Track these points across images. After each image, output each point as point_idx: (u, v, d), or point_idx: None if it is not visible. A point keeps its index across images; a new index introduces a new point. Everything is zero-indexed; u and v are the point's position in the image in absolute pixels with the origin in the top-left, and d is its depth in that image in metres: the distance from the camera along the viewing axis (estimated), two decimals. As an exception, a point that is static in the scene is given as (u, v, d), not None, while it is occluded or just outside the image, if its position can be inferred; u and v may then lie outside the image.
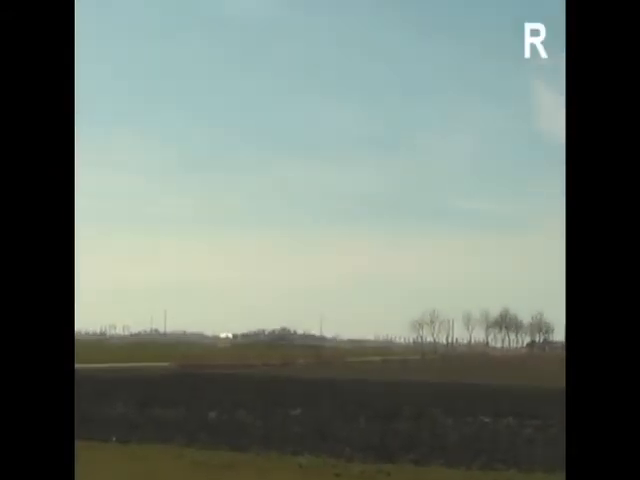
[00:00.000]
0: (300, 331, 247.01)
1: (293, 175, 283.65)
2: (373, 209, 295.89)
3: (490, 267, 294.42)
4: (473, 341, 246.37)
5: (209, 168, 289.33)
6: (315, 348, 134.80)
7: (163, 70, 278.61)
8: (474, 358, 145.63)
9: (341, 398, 38.82)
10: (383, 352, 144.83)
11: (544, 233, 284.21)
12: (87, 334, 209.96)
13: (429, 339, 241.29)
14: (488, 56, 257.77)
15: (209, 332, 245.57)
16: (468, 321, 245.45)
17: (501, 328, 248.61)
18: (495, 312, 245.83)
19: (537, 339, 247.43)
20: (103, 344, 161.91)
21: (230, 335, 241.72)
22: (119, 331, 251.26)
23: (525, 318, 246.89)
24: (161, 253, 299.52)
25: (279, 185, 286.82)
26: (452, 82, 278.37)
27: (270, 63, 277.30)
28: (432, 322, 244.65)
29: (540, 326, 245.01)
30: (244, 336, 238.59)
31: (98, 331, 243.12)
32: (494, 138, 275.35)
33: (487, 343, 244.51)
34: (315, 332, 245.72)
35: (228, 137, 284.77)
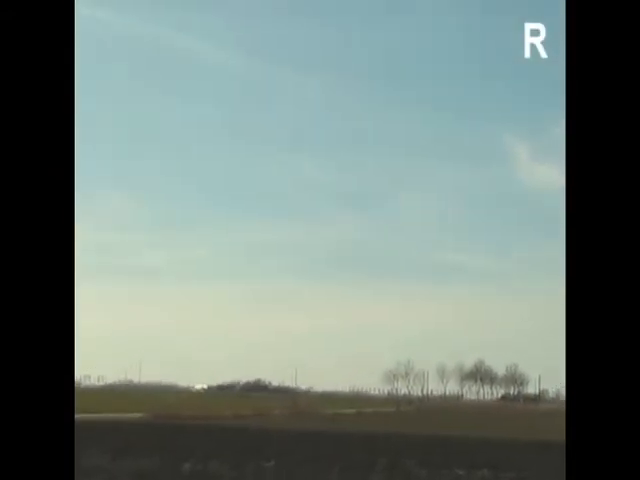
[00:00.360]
0: (275, 383, 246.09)
1: (277, 231, 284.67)
2: (350, 264, 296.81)
3: (465, 319, 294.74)
4: (448, 393, 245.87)
5: (186, 223, 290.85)
6: (289, 399, 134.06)
7: (144, 130, 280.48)
8: (449, 410, 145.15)
9: (315, 449, 38.71)
10: (358, 404, 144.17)
11: (522, 286, 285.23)
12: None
13: (404, 391, 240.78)
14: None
15: (184, 383, 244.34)
16: (443, 373, 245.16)
17: (476, 380, 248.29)
18: (469, 364, 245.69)
19: (511, 391, 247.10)
20: (77, 394, 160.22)
21: (205, 386, 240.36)
22: (94, 381, 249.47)
23: (500, 370, 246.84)
24: (137, 303, 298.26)
25: (259, 241, 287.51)
26: (431, 140, 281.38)
27: (248, 121, 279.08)
28: (407, 374, 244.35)
29: (514, 378, 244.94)
30: (219, 387, 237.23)
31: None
32: (474, 194, 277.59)
33: (462, 395, 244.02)
34: (290, 384, 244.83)
35: (210, 195, 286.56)
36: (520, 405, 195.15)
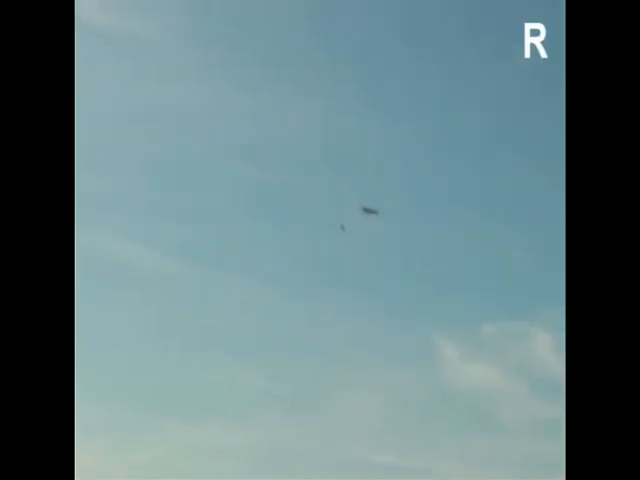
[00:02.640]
0: None
1: (208, 435, 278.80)
2: (281, 465, 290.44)
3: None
4: None
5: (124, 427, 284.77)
6: None
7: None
8: None
9: None
10: None
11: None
12: None
13: None
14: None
15: None
16: None
17: None
18: None
19: None
20: None
21: None
22: None
23: None
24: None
25: (194, 444, 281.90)
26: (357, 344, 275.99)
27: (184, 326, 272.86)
28: None
29: None
30: None
31: None
32: (400, 394, 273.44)
33: None
34: None
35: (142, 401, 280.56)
36: None
